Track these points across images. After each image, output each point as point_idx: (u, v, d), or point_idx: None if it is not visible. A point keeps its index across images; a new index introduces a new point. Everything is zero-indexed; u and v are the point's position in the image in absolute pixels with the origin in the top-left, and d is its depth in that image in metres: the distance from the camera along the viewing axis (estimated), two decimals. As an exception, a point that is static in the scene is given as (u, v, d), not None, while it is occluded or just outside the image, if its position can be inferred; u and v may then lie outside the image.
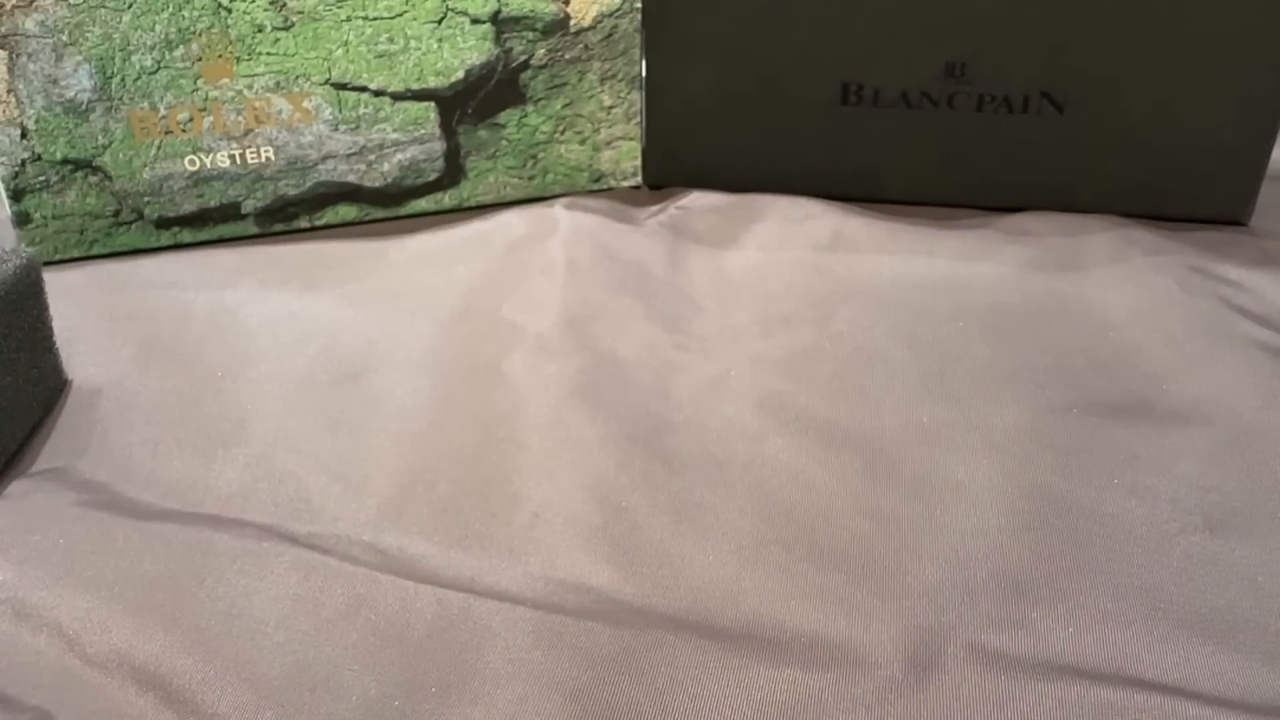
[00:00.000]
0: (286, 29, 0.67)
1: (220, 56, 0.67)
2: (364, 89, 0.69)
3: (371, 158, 0.72)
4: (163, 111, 0.67)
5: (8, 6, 0.63)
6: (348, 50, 0.68)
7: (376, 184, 0.73)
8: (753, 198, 0.75)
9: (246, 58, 0.67)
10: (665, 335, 0.62)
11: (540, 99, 0.73)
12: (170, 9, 0.65)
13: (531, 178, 0.75)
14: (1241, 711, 0.41)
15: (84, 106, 0.66)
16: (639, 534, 0.49)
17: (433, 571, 0.47)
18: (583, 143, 0.75)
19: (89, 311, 0.64)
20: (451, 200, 0.75)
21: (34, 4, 0.63)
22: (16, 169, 0.67)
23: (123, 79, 0.66)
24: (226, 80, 0.67)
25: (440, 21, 0.69)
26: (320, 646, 0.44)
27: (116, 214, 0.69)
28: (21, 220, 0.68)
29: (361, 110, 0.70)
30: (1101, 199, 0.72)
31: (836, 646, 0.44)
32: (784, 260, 0.69)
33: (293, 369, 0.60)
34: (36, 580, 0.46)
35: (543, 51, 0.71)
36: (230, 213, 0.71)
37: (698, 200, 0.75)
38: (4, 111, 0.65)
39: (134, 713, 0.41)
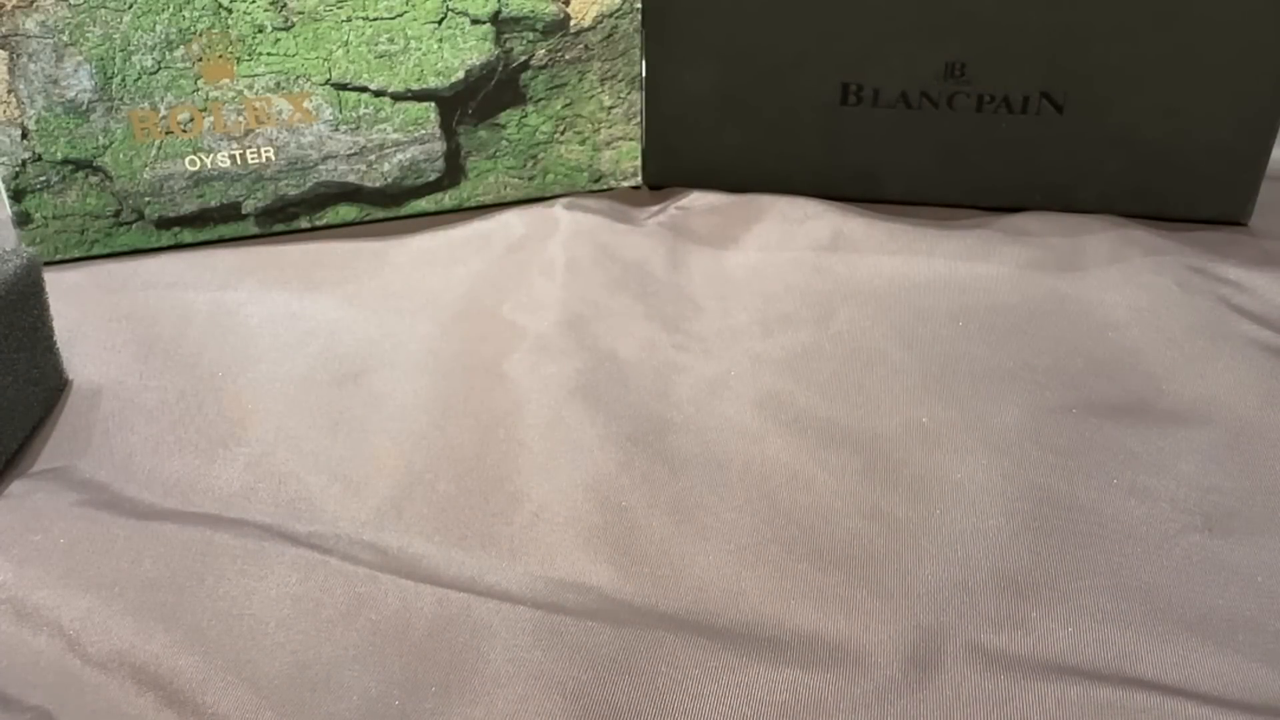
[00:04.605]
0: (287, 29, 0.67)
1: (220, 57, 0.67)
2: (364, 89, 0.70)
3: (372, 158, 0.72)
4: (163, 112, 0.67)
5: (8, 6, 0.63)
6: (348, 50, 0.68)
7: (377, 184, 0.73)
8: (753, 198, 0.75)
9: (247, 58, 0.67)
10: (665, 335, 0.62)
11: (540, 99, 0.73)
12: (170, 9, 0.65)
13: (531, 178, 0.75)
14: (1241, 711, 0.41)
15: (84, 107, 0.66)
16: (639, 534, 0.49)
17: (433, 571, 0.47)
18: (583, 143, 0.75)
19: (89, 311, 0.64)
20: (451, 200, 0.75)
21: (34, 4, 0.63)
22: (17, 169, 0.67)
23: (123, 79, 0.66)
24: (227, 80, 0.67)
25: (440, 22, 0.69)
26: (320, 646, 0.44)
27: (117, 214, 0.69)
28: (22, 220, 0.68)
29: (362, 110, 0.70)
30: (1101, 199, 0.72)
31: (836, 646, 0.44)
32: (784, 260, 0.69)
33: (293, 369, 0.60)
34: (36, 580, 0.46)
35: (543, 52, 0.71)
36: (230, 213, 0.71)
37: (698, 200, 0.75)
38: (4, 112, 0.65)
39: (134, 713, 0.41)
